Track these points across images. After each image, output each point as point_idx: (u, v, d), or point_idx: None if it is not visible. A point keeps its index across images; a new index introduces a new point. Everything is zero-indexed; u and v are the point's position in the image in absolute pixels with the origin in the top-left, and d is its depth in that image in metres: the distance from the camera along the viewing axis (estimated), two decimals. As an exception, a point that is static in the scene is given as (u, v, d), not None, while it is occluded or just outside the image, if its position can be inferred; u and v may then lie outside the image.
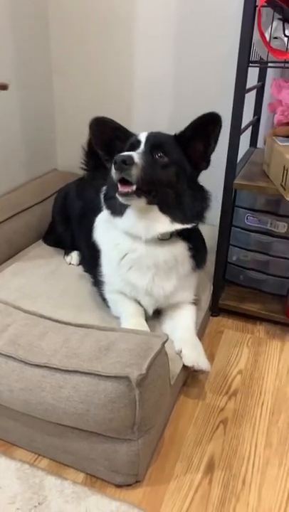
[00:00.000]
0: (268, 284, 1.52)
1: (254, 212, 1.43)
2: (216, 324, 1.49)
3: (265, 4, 1.09)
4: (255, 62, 1.25)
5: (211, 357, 1.34)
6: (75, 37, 1.79)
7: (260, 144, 1.67)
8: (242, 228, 1.48)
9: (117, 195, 1.05)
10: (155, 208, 1.09)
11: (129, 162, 1.00)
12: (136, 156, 1.02)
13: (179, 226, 1.10)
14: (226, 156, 1.28)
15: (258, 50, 1.27)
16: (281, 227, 1.40)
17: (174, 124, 1.77)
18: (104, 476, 0.97)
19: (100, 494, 0.93)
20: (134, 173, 1.01)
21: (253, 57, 1.22)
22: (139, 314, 1.19)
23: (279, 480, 0.99)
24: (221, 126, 1.09)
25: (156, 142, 1.10)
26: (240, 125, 1.24)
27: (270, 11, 1.17)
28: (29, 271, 1.47)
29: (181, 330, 1.18)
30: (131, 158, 1.01)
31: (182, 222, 1.10)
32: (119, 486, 0.96)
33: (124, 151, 1.07)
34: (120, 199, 1.06)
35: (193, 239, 1.18)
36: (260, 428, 1.11)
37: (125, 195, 1.03)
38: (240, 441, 1.08)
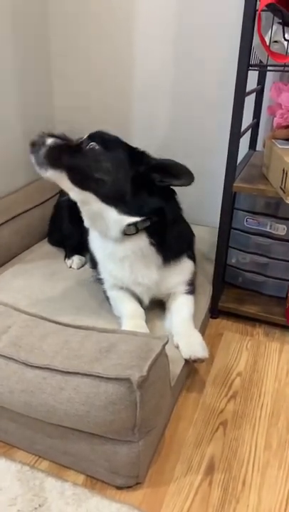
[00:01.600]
0: (267, 286, 1.52)
1: (253, 215, 1.44)
2: (216, 326, 1.50)
3: (265, 8, 1.10)
4: (255, 65, 1.26)
5: (210, 359, 1.34)
6: (75, 38, 1.79)
7: (259, 146, 1.68)
8: (241, 230, 1.48)
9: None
10: (96, 199, 1.10)
11: (35, 143, 1.06)
12: (49, 140, 1.07)
13: (128, 219, 1.11)
14: (225, 158, 1.29)
15: (258, 53, 1.28)
16: (280, 229, 1.41)
17: (173, 125, 1.80)
18: (104, 478, 0.97)
19: (100, 496, 0.93)
20: (41, 151, 1.05)
21: (252, 61, 1.23)
22: (138, 315, 1.20)
23: (279, 481, 0.99)
24: (190, 183, 1.13)
25: (96, 136, 1.12)
26: (240, 128, 1.25)
27: (270, 15, 1.18)
28: (29, 273, 1.47)
29: (177, 323, 1.20)
30: (40, 141, 1.06)
31: (128, 214, 1.11)
32: (119, 487, 0.96)
33: None
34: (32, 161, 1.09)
35: (160, 235, 1.18)
36: (260, 430, 1.12)
37: (32, 152, 1.08)
38: (240, 442, 1.08)
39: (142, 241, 1.16)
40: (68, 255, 1.56)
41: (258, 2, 1.11)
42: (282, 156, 1.21)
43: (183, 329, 1.18)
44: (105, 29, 1.73)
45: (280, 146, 1.29)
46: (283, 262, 1.45)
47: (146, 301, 1.24)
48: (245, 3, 1.11)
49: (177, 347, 1.14)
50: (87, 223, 1.20)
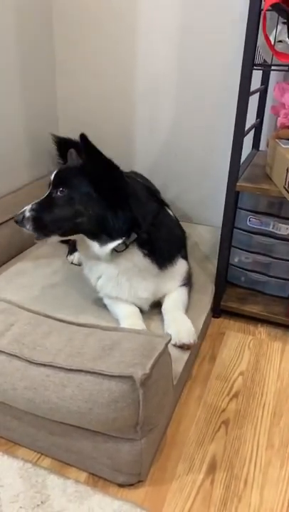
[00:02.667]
0: (269, 286, 1.52)
1: (256, 214, 1.44)
2: (218, 326, 1.50)
3: (270, 8, 1.10)
4: (259, 65, 1.26)
5: (212, 358, 1.35)
6: (78, 38, 1.79)
7: (262, 146, 1.68)
8: (244, 230, 1.48)
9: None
10: (83, 237, 1.17)
11: (20, 221, 1.15)
12: (27, 212, 1.15)
13: (111, 245, 1.14)
14: (228, 158, 1.29)
15: (262, 53, 1.28)
16: (283, 229, 1.41)
17: (176, 125, 1.80)
18: (106, 476, 0.97)
19: (102, 493, 0.93)
20: (28, 225, 1.14)
21: (257, 61, 1.23)
22: (134, 314, 1.20)
23: (281, 481, 1.00)
24: (86, 142, 1.12)
25: (58, 179, 1.16)
26: (244, 128, 1.25)
27: (275, 15, 1.18)
28: (31, 271, 1.48)
29: (167, 310, 1.22)
30: (22, 217, 1.14)
31: (111, 241, 1.13)
32: (121, 485, 0.97)
33: None
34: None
35: (151, 243, 1.18)
36: (262, 429, 1.12)
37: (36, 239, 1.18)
38: (242, 442, 1.08)
39: (136, 255, 1.17)
40: (70, 251, 1.57)
41: (262, 2, 1.11)
42: (286, 155, 1.21)
43: (172, 315, 1.20)
44: (108, 30, 1.73)
45: (283, 145, 1.29)
46: (286, 261, 1.45)
47: (146, 308, 1.24)
48: (249, 3, 1.11)
49: (167, 333, 1.14)
50: (81, 251, 1.26)
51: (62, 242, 1.63)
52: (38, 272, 1.47)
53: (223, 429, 1.11)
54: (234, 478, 1.00)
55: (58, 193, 1.14)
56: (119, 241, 1.13)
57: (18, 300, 1.17)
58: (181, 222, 1.54)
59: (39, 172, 1.89)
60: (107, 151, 1.96)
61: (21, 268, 1.49)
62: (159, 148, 1.87)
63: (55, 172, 1.18)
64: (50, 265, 1.52)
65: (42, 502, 0.90)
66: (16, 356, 0.92)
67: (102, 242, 1.14)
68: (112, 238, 1.13)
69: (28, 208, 1.15)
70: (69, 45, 1.82)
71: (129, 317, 1.19)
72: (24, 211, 1.15)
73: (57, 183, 1.15)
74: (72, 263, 1.54)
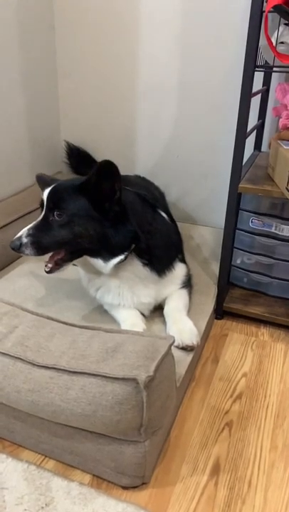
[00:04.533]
0: (272, 287, 1.52)
1: (259, 216, 1.44)
2: (221, 327, 1.50)
3: (272, 10, 1.10)
4: (261, 66, 1.26)
5: (215, 360, 1.35)
6: (80, 41, 1.80)
7: (264, 147, 1.68)
8: (246, 231, 1.48)
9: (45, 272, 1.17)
10: (88, 258, 1.15)
11: (18, 248, 1.11)
12: (24, 238, 1.10)
13: (114, 261, 1.13)
14: (230, 159, 1.29)
15: (264, 54, 1.28)
16: (286, 230, 1.41)
17: (178, 127, 1.80)
18: (110, 478, 0.97)
19: (106, 496, 0.93)
20: (27, 251, 1.11)
21: (258, 62, 1.23)
22: (133, 315, 1.20)
23: (285, 482, 0.99)
24: (115, 171, 1.08)
25: (53, 201, 1.11)
26: (246, 129, 1.25)
27: (277, 16, 1.18)
28: (34, 273, 1.48)
29: (169, 312, 1.22)
30: (19, 245, 1.10)
31: (114, 257, 1.13)
32: (125, 487, 0.97)
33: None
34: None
35: (149, 251, 1.18)
36: (265, 431, 1.12)
37: (48, 272, 1.17)
38: (246, 443, 1.08)
39: (135, 265, 1.17)
40: None
41: (264, 3, 1.11)
42: (288, 156, 1.21)
43: (174, 317, 1.20)
44: (109, 33, 1.73)
45: (285, 147, 1.29)
46: (288, 263, 1.45)
47: (147, 313, 1.25)
48: (251, 5, 1.11)
49: (169, 334, 1.15)
50: (80, 266, 1.23)
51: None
52: (41, 274, 1.47)
53: (226, 431, 1.11)
54: (238, 480, 0.99)
55: (56, 217, 1.10)
56: (121, 256, 1.12)
57: (21, 302, 1.18)
58: (183, 224, 1.55)
59: (41, 174, 1.90)
60: (109, 153, 1.98)
61: (24, 270, 1.50)
62: (160, 150, 1.87)
63: (48, 191, 1.13)
64: (52, 267, 1.52)
65: (46, 504, 0.90)
66: (20, 359, 0.93)
67: (105, 259, 1.13)
68: (115, 254, 1.12)
69: (23, 233, 1.11)
70: (71, 50, 1.82)
71: (129, 318, 1.19)
72: (20, 237, 1.11)
73: (52, 204, 1.11)
74: (74, 264, 1.54)
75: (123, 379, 0.85)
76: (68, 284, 1.42)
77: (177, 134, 1.81)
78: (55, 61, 1.86)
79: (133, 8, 1.67)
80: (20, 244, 1.10)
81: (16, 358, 0.93)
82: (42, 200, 1.14)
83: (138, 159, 1.92)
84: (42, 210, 1.14)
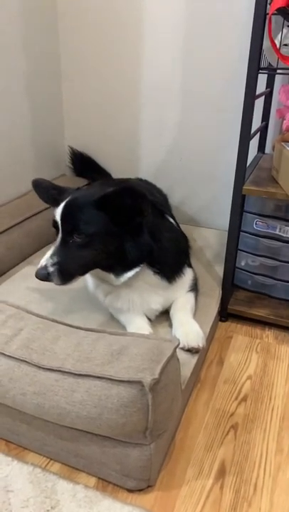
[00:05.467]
0: (276, 289, 1.52)
1: (263, 218, 1.44)
2: (225, 329, 1.49)
3: (276, 12, 1.10)
4: (264, 68, 1.26)
5: (220, 362, 1.34)
6: (84, 44, 1.81)
7: (268, 149, 1.68)
8: (250, 233, 1.48)
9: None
10: (99, 270, 1.13)
11: (45, 279, 1.07)
12: (50, 267, 1.06)
13: (129, 274, 1.12)
14: (234, 161, 1.29)
15: (268, 56, 1.28)
16: (290, 232, 1.41)
17: (181, 130, 1.80)
18: (116, 481, 0.97)
19: (112, 499, 0.93)
20: (54, 280, 1.07)
21: (262, 64, 1.23)
22: (139, 319, 1.20)
23: (291, 486, 0.99)
24: (148, 204, 1.06)
25: (71, 222, 1.06)
26: (250, 131, 1.25)
27: (280, 19, 1.18)
28: (39, 275, 1.48)
29: (175, 314, 1.22)
30: (47, 275, 1.06)
31: (127, 270, 1.12)
32: (131, 490, 0.96)
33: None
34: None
35: (159, 260, 1.17)
36: (271, 433, 1.11)
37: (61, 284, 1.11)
38: (251, 446, 1.08)
39: (146, 274, 1.16)
40: None
41: (268, 6, 1.11)
42: (293, 158, 1.21)
43: (180, 320, 1.20)
44: (113, 33, 1.74)
45: (289, 148, 1.29)
46: (293, 264, 1.45)
47: (153, 318, 1.24)
48: (255, 7, 1.11)
49: (175, 337, 1.15)
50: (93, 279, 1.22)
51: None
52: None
53: (231, 434, 1.11)
54: (244, 483, 0.99)
55: (76, 239, 1.06)
56: (137, 269, 1.12)
57: (26, 305, 1.18)
58: (186, 226, 1.55)
59: (45, 177, 1.90)
60: (113, 156, 1.99)
61: (29, 272, 1.50)
62: (164, 153, 1.87)
63: (61, 211, 1.07)
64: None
65: (52, 507, 0.90)
66: (25, 361, 0.93)
67: (117, 273, 1.12)
68: (129, 269, 1.11)
69: (48, 261, 1.06)
70: (75, 53, 1.83)
71: (135, 321, 1.19)
72: (46, 266, 1.06)
73: (71, 226, 1.06)
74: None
75: (128, 382, 0.85)
76: (72, 286, 1.41)
77: (180, 136, 1.81)
78: (59, 64, 1.86)
79: (136, 12, 1.68)
80: (48, 274, 1.06)
81: (21, 360, 0.93)
82: (54, 221, 1.09)
83: (141, 162, 1.92)
84: (58, 232, 1.09)
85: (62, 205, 1.09)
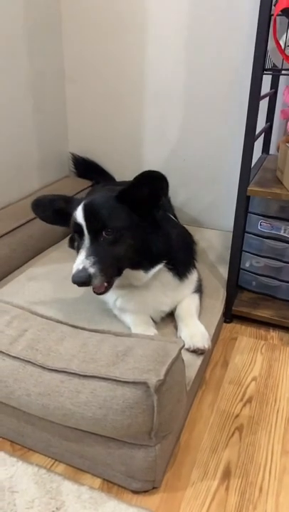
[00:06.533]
0: (281, 291, 1.51)
1: (267, 219, 1.44)
2: (230, 331, 1.49)
3: (281, 13, 1.10)
4: (269, 69, 1.26)
5: (224, 363, 1.34)
6: (87, 45, 1.81)
7: (272, 150, 1.67)
8: (255, 234, 1.48)
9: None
10: (128, 270, 1.12)
11: (88, 281, 1.01)
12: (90, 268, 1.01)
13: (153, 270, 1.12)
14: (239, 162, 1.29)
15: (272, 57, 1.28)
16: (295, 233, 1.41)
17: (184, 130, 1.80)
18: (120, 482, 0.97)
19: (116, 500, 0.93)
20: (96, 281, 1.02)
21: (267, 65, 1.23)
22: (145, 320, 1.20)
23: (296, 488, 0.99)
24: (167, 186, 1.05)
25: (97, 223, 1.04)
26: (255, 132, 1.25)
27: (285, 20, 1.18)
28: (43, 276, 1.48)
29: (180, 315, 1.21)
30: (89, 277, 1.01)
31: (154, 265, 1.12)
32: (135, 492, 0.96)
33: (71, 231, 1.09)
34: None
35: (172, 256, 1.17)
36: (276, 435, 1.11)
37: (102, 293, 1.08)
38: (256, 448, 1.07)
39: (161, 271, 1.16)
40: None
41: (272, 7, 1.11)
42: (297, 159, 1.21)
43: (185, 320, 1.19)
44: (117, 36, 1.75)
45: (294, 149, 1.29)
46: (298, 266, 1.44)
47: (159, 320, 1.24)
48: (260, 8, 1.11)
49: (180, 337, 1.15)
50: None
51: (72, 247, 1.65)
52: (50, 277, 1.48)
53: (236, 435, 1.11)
54: (249, 485, 0.99)
55: (106, 235, 1.04)
56: (161, 265, 1.11)
57: (31, 306, 1.18)
58: (190, 227, 1.55)
59: (48, 178, 1.91)
60: (116, 157, 1.99)
61: (34, 273, 1.50)
62: (167, 154, 1.87)
63: (82, 213, 1.05)
64: (62, 270, 1.53)
65: (57, 508, 0.90)
66: (30, 362, 0.93)
67: (146, 269, 1.11)
68: (156, 262, 1.10)
69: (84, 263, 1.02)
70: (78, 54, 1.83)
71: (140, 323, 1.19)
72: (84, 269, 1.01)
73: (99, 224, 1.04)
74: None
75: (133, 383, 0.85)
76: (77, 287, 1.42)
77: (184, 137, 1.81)
78: (62, 68, 1.87)
79: (140, 14, 1.68)
80: (89, 276, 1.01)
81: (26, 361, 0.93)
82: (77, 224, 1.06)
83: (145, 163, 1.92)
84: (83, 234, 1.06)
85: (80, 207, 1.07)
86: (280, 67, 1.24)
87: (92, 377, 0.88)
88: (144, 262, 1.11)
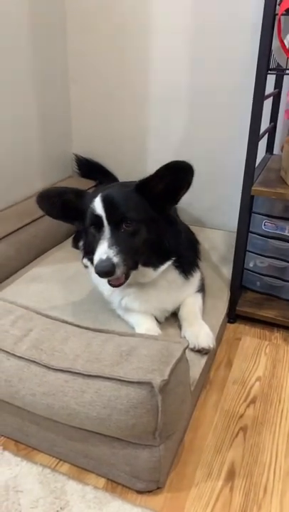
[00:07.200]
0: (285, 291, 1.51)
1: (271, 219, 1.43)
2: (234, 331, 1.49)
3: (285, 13, 1.10)
4: (273, 69, 1.26)
5: (228, 364, 1.34)
6: (91, 46, 1.81)
7: (276, 150, 1.67)
8: (259, 234, 1.47)
9: (109, 285, 1.08)
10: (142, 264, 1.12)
11: (112, 270, 1.00)
12: (114, 258, 1.00)
13: (163, 267, 1.12)
14: (243, 162, 1.29)
15: (277, 57, 1.28)
16: (299, 233, 1.40)
17: (188, 131, 1.80)
18: (125, 482, 0.97)
19: (121, 500, 0.93)
20: (119, 271, 1.01)
21: (271, 65, 1.22)
22: (149, 320, 1.20)
23: (301, 489, 0.98)
24: (193, 175, 1.05)
25: (118, 214, 1.04)
26: (259, 132, 1.25)
27: (289, 19, 1.18)
28: (47, 276, 1.49)
29: (184, 315, 1.21)
30: (113, 267, 0.99)
31: (164, 262, 1.12)
32: (140, 492, 0.96)
33: (86, 223, 1.08)
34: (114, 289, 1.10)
35: (180, 254, 1.17)
36: (281, 436, 1.11)
37: (118, 285, 1.07)
38: (261, 449, 1.07)
39: (168, 269, 1.16)
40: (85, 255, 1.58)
41: (277, 6, 1.11)
42: (302, 159, 1.21)
43: (189, 320, 1.19)
44: (121, 38, 1.75)
45: (298, 149, 1.29)
46: (302, 266, 1.44)
47: (163, 320, 1.24)
48: (264, 8, 1.11)
49: (184, 337, 1.15)
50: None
51: (76, 247, 1.65)
52: (54, 277, 1.48)
53: (241, 436, 1.10)
54: (253, 486, 0.98)
55: (126, 227, 1.04)
56: (170, 262, 1.11)
57: (35, 305, 1.18)
58: (193, 227, 1.55)
59: (52, 179, 1.92)
60: (120, 157, 1.99)
61: (38, 273, 1.51)
62: (171, 154, 1.87)
63: (102, 204, 1.05)
64: (66, 270, 1.53)
65: (61, 508, 0.90)
66: (35, 362, 0.93)
67: (155, 265, 1.10)
68: (166, 259, 1.10)
69: (108, 253, 1.01)
70: (82, 55, 1.84)
71: (144, 323, 1.19)
72: (109, 258, 1.00)
73: (121, 215, 1.04)
74: (86, 267, 1.54)
75: (138, 383, 0.85)
76: (81, 287, 1.42)
77: (188, 137, 1.81)
78: (66, 69, 1.87)
79: (144, 15, 1.68)
80: (113, 265, 1.00)
81: (30, 361, 0.93)
82: (95, 215, 1.05)
83: (149, 163, 1.92)
84: (102, 225, 1.05)
85: (99, 199, 1.06)
86: (284, 66, 1.24)
87: (96, 377, 0.88)
88: (155, 257, 1.11)
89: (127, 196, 1.07)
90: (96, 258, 1.02)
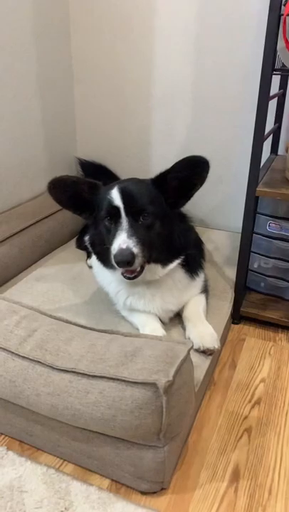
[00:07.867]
0: (289, 292, 1.51)
1: (276, 219, 1.43)
2: (238, 332, 1.48)
3: (290, 13, 1.09)
4: (279, 69, 1.25)
5: (232, 365, 1.33)
6: (96, 46, 1.82)
7: (281, 151, 1.66)
8: (264, 235, 1.47)
9: (122, 276, 1.08)
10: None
11: (132, 260, 1.00)
12: (134, 248, 1.01)
13: (172, 265, 1.12)
14: (247, 163, 1.29)
15: (282, 57, 1.28)
16: (304, 234, 1.40)
17: (192, 131, 1.80)
18: (129, 483, 0.97)
19: (125, 501, 0.93)
20: (138, 261, 1.02)
21: (276, 65, 1.22)
22: (153, 321, 1.20)
23: (306, 491, 0.98)
24: (208, 171, 1.06)
25: (137, 205, 1.05)
26: (263, 132, 1.24)
27: (294, 20, 1.18)
28: (52, 276, 1.49)
29: (188, 316, 1.21)
30: (132, 256, 1.00)
31: (172, 260, 1.12)
32: (144, 492, 0.96)
33: (101, 215, 1.08)
34: (127, 280, 1.09)
35: (188, 253, 1.17)
36: (285, 437, 1.10)
37: (133, 278, 1.07)
38: (265, 450, 1.07)
39: (175, 268, 1.15)
40: (90, 256, 1.58)
41: (282, 7, 1.11)
42: (307, 160, 1.20)
43: (194, 321, 1.19)
44: (125, 39, 1.75)
45: (303, 150, 1.28)
46: (307, 267, 1.43)
47: (167, 321, 1.24)
48: (269, 8, 1.11)
49: (188, 338, 1.14)
50: (118, 276, 1.13)
51: (85, 249, 1.65)
52: (58, 278, 1.48)
53: (245, 437, 1.10)
54: (258, 487, 0.98)
55: (143, 220, 1.05)
56: (178, 260, 1.11)
57: (40, 306, 1.18)
58: (198, 228, 1.54)
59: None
60: (124, 158, 1.99)
61: (42, 273, 1.51)
62: (175, 154, 1.86)
63: (120, 196, 1.05)
64: (70, 270, 1.54)
65: (65, 508, 0.90)
66: (39, 362, 0.93)
67: (164, 263, 1.10)
68: (175, 257, 1.10)
69: (128, 242, 1.01)
70: (86, 55, 1.84)
71: (149, 324, 1.19)
72: (128, 248, 1.00)
73: (139, 207, 1.04)
74: (91, 267, 1.54)
75: (142, 383, 0.85)
76: (85, 288, 1.42)
77: (192, 138, 1.81)
78: (71, 70, 1.88)
79: (148, 15, 1.68)
80: (132, 254, 1.00)
81: (35, 361, 0.93)
82: (113, 207, 1.05)
83: (152, 163, 1.92)
84: (119, 217, 1.05)
85: (116, 190, 1.06)
86: (289, 67, 1.24)
87: (100, 378, 0.88)
88: (165, 254, 1.11)
89: (145, 189, 1.08)
90: (115, 248, 1.02)
